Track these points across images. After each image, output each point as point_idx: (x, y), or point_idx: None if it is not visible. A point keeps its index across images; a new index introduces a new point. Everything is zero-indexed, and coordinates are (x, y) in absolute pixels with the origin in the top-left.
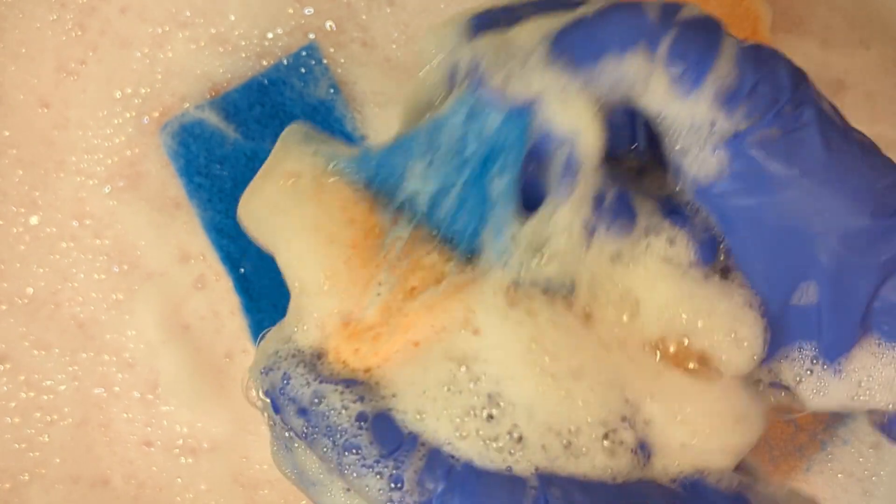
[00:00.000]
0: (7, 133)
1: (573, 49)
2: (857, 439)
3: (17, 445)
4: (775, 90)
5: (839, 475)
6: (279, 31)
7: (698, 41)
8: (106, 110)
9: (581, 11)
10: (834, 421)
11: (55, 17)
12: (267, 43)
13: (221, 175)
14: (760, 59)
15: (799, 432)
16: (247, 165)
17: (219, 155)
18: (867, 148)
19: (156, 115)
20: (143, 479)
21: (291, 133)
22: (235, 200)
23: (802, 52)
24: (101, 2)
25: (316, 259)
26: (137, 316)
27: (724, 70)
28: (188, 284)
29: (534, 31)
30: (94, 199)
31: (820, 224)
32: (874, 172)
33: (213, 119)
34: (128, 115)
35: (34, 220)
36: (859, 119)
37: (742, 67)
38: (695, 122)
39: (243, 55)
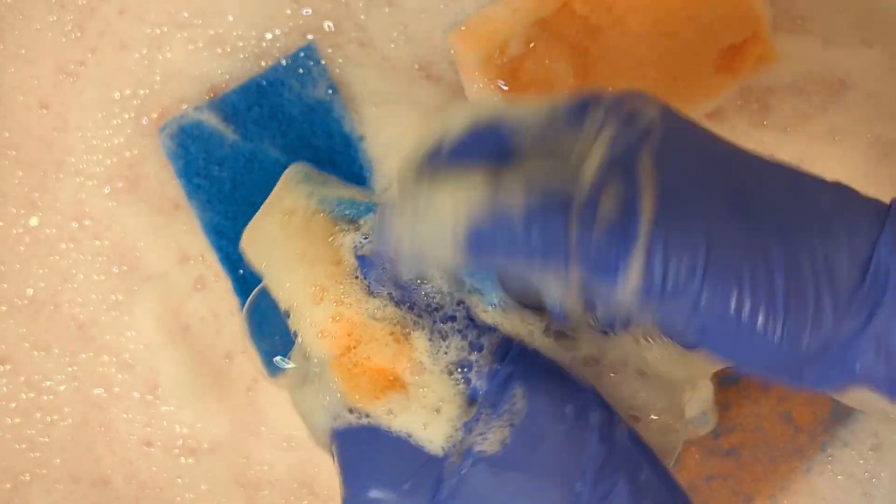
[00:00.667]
0: (7, 134)
1: (482, 269)
2: (857, 441)
3: (17, 446)
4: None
5: (839, 476)
6: (277, 31)
7: (601, 289)
8: (105, 111)
9: (501, 204)
10: (834, 422)
11: (55, 19)
12: (265, 44)
13: (220, 176)
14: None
15: (799, 433)
16: (245, 167)
17: (217, 156)
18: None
19: (154, 116)
20: (143, 479)
21: (293, 173)
22: (234, 202)
23: (804, 52)
24: (100, 3)
25: (302, 278)
26: (137, 317)
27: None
28: (188, 285)
29: (449, 226)
30: (93, 201)
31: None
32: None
33: (211, 120)
34: (127, 116)
35: (34, 221)
36: (861, 119)
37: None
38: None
39: (241, 56)
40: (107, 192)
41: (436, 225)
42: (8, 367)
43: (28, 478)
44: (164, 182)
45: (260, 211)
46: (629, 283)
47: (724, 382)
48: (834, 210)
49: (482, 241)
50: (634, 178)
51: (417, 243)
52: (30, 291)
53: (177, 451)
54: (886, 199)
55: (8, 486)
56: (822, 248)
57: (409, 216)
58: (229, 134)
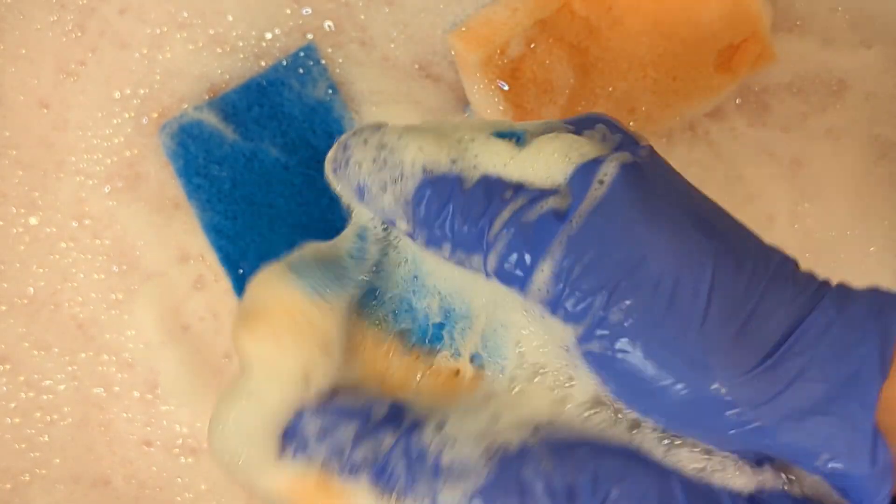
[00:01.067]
0: (7, 134)
1: None
2: None
3: (17, 445)
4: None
5: None
6: (277, 31)
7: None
8: (105, 111)
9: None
10: None
11: (55, 19)
12: (265, 44)
13: (220, 176)
14: None
15: None
16: (245, 166)
17: (217, 156)
18: (699, 337)
19: (154, 115)
20: (143, 478)
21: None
22: (234, 201)
23: (803, 52)
24: (100, 3)
25: None
26: (137, 316)
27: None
28: (187, 285)
29: (406, 170)
30: (93, 200)
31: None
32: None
33: (211, 120)
34: (127, 115)
35: (34, 220)
36: (859, 119)
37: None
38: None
39: (241, 56)
40: (107, 191)
41: (393, 166)
42: (8, 366)
43: (28, 478)
44: (164, 181)
45: (229, 395)
46: (534, 285)
47: None
48: (778, 271)
49: (427, 198)
50: (581, 192)
51: (370, 178)
52: (30, 290)
53: (177, 450)
54: (883, 200)
55: (8, 486)
56: (751, 302)
57: (372, 150)
58: (229, 133)
